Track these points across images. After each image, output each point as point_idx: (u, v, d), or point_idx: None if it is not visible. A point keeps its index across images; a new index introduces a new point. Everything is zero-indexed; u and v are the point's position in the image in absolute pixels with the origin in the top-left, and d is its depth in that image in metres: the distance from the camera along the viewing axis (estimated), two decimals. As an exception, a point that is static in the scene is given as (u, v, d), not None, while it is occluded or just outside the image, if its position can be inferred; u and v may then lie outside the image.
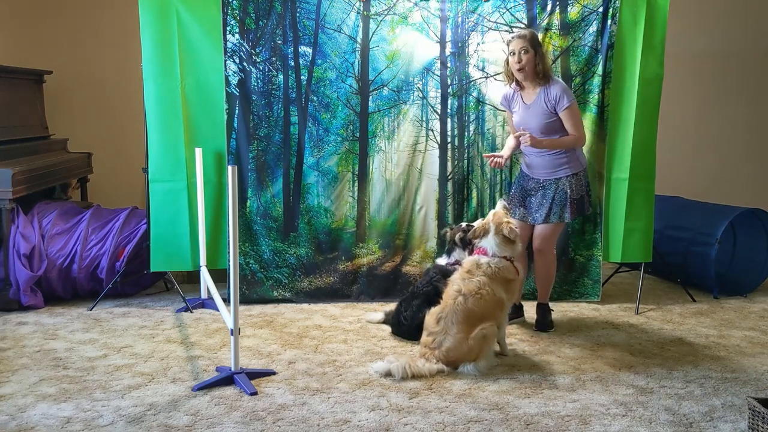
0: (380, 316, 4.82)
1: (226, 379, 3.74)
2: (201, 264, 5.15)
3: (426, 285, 4.56)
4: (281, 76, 5.18)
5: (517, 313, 4.86)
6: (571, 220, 4.63)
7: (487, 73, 5.31)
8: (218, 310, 4.67)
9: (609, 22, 5.19)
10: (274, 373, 3.90)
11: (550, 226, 4.60)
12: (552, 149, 4.53)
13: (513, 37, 4.55)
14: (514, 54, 4.50)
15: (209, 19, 5.06)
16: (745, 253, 5.67)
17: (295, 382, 3.79)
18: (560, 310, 5.16)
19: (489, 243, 4.16)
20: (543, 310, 4.78)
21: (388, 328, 4.67)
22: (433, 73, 5.30)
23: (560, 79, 4.67)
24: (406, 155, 5.35)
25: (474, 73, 5.31)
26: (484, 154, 5.09)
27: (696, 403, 3.61)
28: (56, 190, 6.23)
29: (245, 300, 5.14)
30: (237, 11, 5.09)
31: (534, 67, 4.49)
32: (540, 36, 5.21)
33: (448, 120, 5.35)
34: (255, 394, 3.61)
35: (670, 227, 5.82)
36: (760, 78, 7.45)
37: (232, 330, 3.72)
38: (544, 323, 4.74)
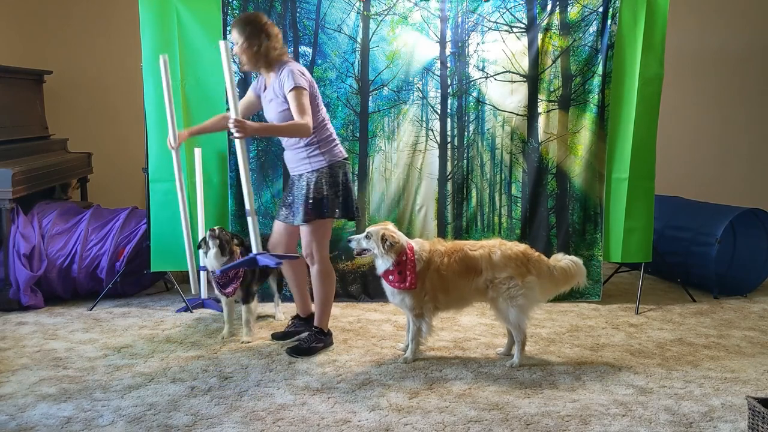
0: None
1: (251, 260, 3.88)
2: (201, 264, 5.14)
3: None
4: (281, 76, 5.18)
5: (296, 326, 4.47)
6: (306, 222, 4.04)
7: (487, 73, 5.31)
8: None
9: (609, 22, 5.19)
10: (297, 257, 4.23)
11: (305, 229, 4.08)
12: (276, 136, 3.91)
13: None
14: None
15: (209, 19, 5.06)
16: (745, 253, 5.67)
17: (295, 382, 3.79)
18: (560, 310, 5.16)
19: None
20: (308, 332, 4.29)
21: (388, 328, 4.68)
22: (433, 73, 5.30)
23: (294, 62, 4.06)
24: (405, 155, 5.35)
25: (474, 73, 5.31)
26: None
27: (695, 403, 3.61)
28: (56, 190, 6.23)
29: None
30: (237, 11, 5.09)
31: (253, 58, 3.94)
32: (540, 36, 5.23)
33: (448, 120, 5.35)
34: (281, 264, 4.07)
35: (670, 227, 5.82)
36: (760, 78, 7.45)
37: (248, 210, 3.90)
38: (298, 348, 4.16)
